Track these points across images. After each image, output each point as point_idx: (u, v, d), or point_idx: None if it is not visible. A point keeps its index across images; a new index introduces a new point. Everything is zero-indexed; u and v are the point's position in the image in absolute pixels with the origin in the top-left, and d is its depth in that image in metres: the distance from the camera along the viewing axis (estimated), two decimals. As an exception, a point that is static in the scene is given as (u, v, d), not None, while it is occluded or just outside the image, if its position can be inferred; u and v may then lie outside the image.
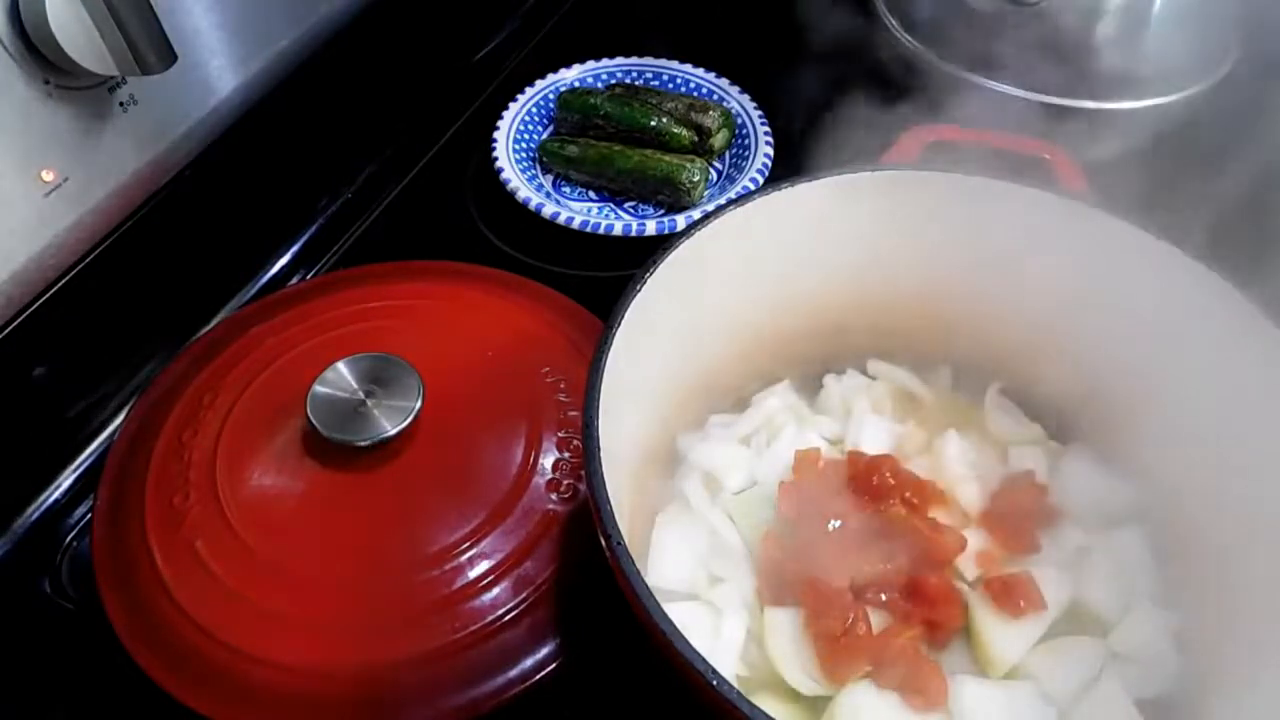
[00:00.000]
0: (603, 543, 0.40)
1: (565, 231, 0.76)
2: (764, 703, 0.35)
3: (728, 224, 0.52)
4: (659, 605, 0.37)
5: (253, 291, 0.77)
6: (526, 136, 0.86)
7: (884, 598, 0.50)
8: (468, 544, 0.53)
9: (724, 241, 0.53)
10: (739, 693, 0.35)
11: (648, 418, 0.53)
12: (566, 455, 0.57)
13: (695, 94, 0.88)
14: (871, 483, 0.53)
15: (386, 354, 0.58)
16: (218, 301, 0.76)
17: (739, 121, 0.86)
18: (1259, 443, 0.48)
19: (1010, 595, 0.50)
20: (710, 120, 0.83)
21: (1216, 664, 0.48)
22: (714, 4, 1.02)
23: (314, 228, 0.82)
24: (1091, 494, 0.55)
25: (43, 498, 0.65)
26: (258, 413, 0.59)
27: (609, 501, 0.41)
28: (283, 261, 0.80)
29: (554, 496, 0.56)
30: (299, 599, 0.51)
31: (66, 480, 0.66)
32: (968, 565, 0.52)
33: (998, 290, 0.57)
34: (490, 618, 0.51)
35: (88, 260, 0.63)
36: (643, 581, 0.38)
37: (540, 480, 0.56)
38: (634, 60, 0.91)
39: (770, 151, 0.82)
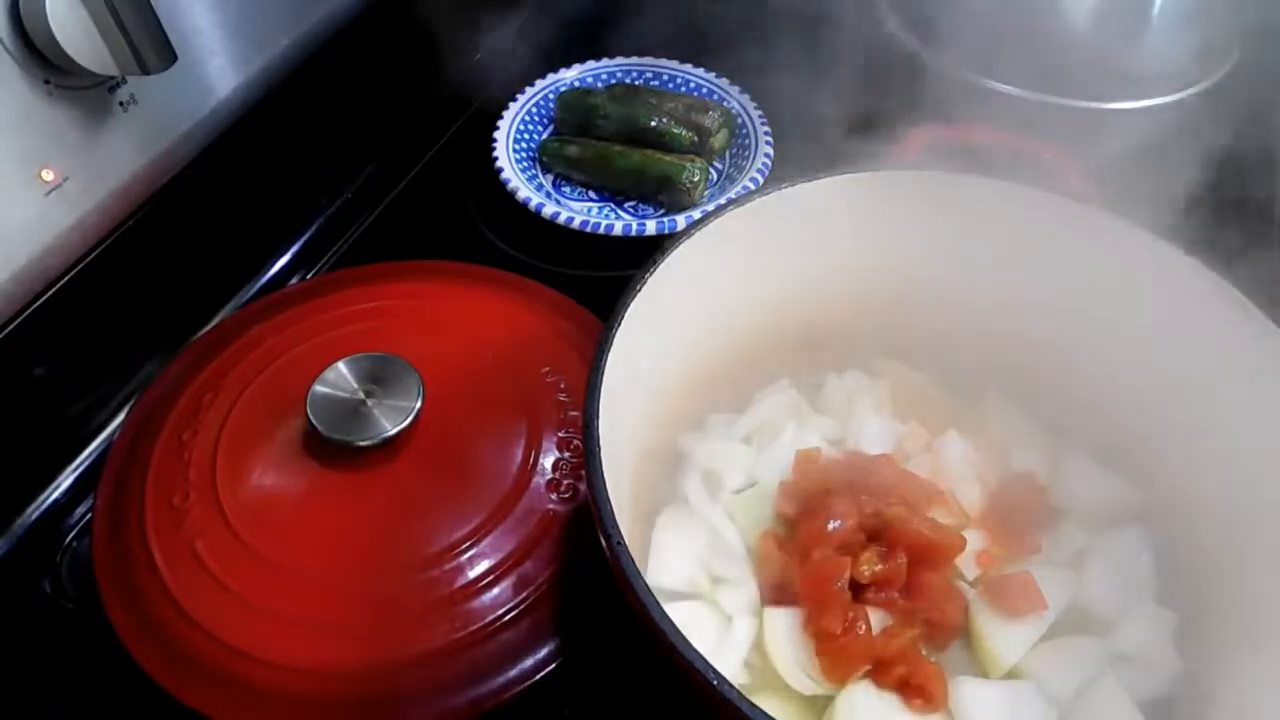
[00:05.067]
0: (603, 543, 0.40)
1: (565, 231, 0.76)
2: (764, 703, 0.35)
3: (728, 224, 0.52)
4: (659, 605, 0.37)
5: (253, 291, 0.77)
6: (526, 136, 0.86)
7: (884, 598, 0.50)
8: (468, 544, 0.53)
9: (724, 241, 0.53)
10: (739, 693, 0.35)
11: (648, 418, 0.53)
12: (566, 455, 0.57)
13: (695, 94, 0.88)
14: (871, 483, 0.53)
15: (386, 354, 0.58)
16: (218, 301, 0.76)
17: (739, 121, 0.86)
18: (1259, 442, 0.48)
19: (1010, 595, 0.50)
20: (710, 120, 0.83)
21: (1216, 664, 0.48)
22: (714, 4, 1.01)
23: (314, 228, 0.82)
24: (1091, 494, 0.55)
25: (43, 498, 0.65)
26: (258, 413, 0.59)
27: (609, 501, 0.41)
28: (283, 261, 0.80)
29: (554, 496, 0.56)
30: (299, 599, 0.51)
31: (66, 480, 0.66)
32: (968, 565, 0.52)
33: (998, 290, 0.57)
34: (490, 618, 0.51)
35: (88, 260, 0.63)
36: (643, 581, 0.38)
37: (540, 480, 0.56)
38: (634, 60, 0.91)
39: (770, 151, 0.82)
